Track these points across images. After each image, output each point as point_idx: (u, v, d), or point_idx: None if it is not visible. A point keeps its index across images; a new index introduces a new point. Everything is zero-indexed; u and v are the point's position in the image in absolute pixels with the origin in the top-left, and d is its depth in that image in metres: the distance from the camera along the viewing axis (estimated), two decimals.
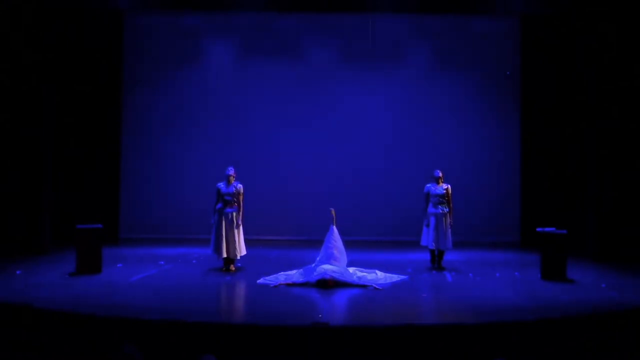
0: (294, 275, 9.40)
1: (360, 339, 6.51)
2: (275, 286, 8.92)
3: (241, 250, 10.15)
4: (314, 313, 7.60)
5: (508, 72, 13.95)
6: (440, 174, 10.65)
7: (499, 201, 13.93)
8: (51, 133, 12.09)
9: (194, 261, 11.08)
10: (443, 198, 10.52)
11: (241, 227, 10.15)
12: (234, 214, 10.11)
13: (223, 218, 10.07)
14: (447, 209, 10.53)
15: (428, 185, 10.73)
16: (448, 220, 10.52)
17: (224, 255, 10.03)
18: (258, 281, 9.23)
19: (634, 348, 6.64)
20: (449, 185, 10.65)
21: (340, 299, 8.50)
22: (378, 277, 9.43)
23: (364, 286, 8.94)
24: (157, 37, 14.14)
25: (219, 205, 10.14)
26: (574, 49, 12.87)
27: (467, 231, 13.80)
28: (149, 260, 10.95)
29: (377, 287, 8.89)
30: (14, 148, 11.59)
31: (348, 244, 10.29)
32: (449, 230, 10.52)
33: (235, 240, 10.05)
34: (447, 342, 6.53)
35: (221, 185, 10.20)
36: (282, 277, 9.37)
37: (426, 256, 11.32)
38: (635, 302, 8.03)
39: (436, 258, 10.63)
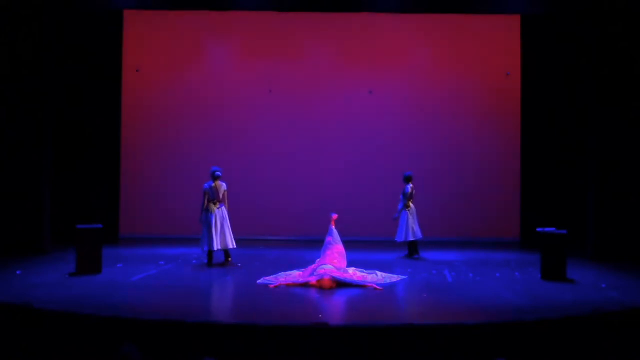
0: (294, 275, 9.40)
1: (360, 339, 6.51)
2: (275, 286, 8.92)
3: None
4: (314, 313, 7.60)
5: (508, 72, 13.96)
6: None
7: (499, 201, 13.93)
8: (51, 133, 12.08)
9: (194, 261, 11.08)
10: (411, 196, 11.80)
11: (202, 224, 10.58)
12: None
13: None
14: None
15: (410, 185, 11.79)
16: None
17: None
18: (258, 281, 9.23)
19: (634, 348, 6.64)
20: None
21: (340, 299, 8.50)
22: (378, 277, 9.43)
23: (363, 286, 8.93)
24: (157, 37, 14.16)
25: None
26: (574, 49, 12.87)
27: (467, 231, 13.85)
28: (149, 260, 10.95)
29: (377, 287, 8.89)
30: (14, 148, 11.58)
31: (348, 244, 10.30)
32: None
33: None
34: (447, 342, 6.53)
35: None
36: (282, 277, 9.38)
37: (427, 256, 11.58)
38: (635, 302, 8.03)
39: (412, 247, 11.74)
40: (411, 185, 11.80)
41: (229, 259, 10.73)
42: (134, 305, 7.92)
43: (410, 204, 11.73)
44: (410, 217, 11.64)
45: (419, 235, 11.71)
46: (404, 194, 11.71)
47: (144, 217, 13.95)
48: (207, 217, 10.54)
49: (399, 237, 11.72)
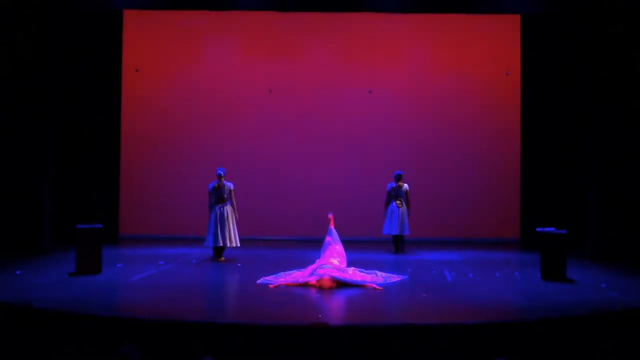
0: (294, 275, 9.39)
1: (360, 339, 6.51)
2: (275, 286, 8.92)
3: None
4: (314, 313, 7.60)
5: (508, 72, 13.97)
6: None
7: (499, 201, 13.93)
8: (51, 133, 12.09)
9: (194, 261, 11.08)
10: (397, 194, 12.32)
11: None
12: None
13: None
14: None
15: (393, 184, 12.24)
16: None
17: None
18: (258, 281, 9.22)
19: (634, 348, 6.64)
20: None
21: (340, 299, 8.50)
22: (378, 277, 9.42)
23: (364, 286, 8.93)
24: (157, 37, 14.18)
25: None
26: (574, 49, 12.87)
27: (467, 231, 13.85)
28: (149, 260, 10.95)
29: (377, 287, 8.89)
30: (14, 148, 11.58)
31: (348, 244, 10.30)
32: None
33: None
34: (447, 342, 6.53)
35: None
36: (282, 277, 9.37)
37: (427, 256, 11.64)
38: (635, 302, 8.03)
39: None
40: (397, 184, 12.16)
41: (220, 258, 11.02)
42: (134, 305, 7.92)
43: (394, 201, 12.13)
44: (392, 213, 12.09)
45: (394, 231, 12.14)
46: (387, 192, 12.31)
47: (144, 217, 13.96)
48: (211, 216, 11.00)
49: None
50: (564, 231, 9.70)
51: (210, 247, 11.11)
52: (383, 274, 9.61)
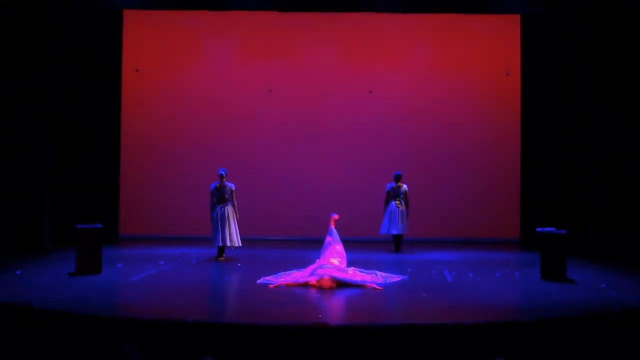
0: (294, 275, 9.39)
1: (360, 339, 6.51)
2: (275, 286, 8.92)
3: None
4: (314, 313, 7.60)
5: (508, 72, 13.97)
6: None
7: (499, 201, 13.93)
8: (51, 133, 12.08)
9: (194, 261, 11.09)
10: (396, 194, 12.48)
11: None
12: None
13: None
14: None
15: (393, 184, 12.41)
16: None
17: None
18: (258, 281, 9.22)
19: (634, 348, 6.64)
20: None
21: (340, 299, 8.50)
22: (378, 277, 9.43)
23: (363, 286, 8.93)
24: (157, 37, 14.17)
25: None
26: (574, 49, 12.86)
27: (467, 231, 13.85)
28: (149, 260, 10.95)
29: (377, 287, 8.89)
30: (14, 148, 11.57)
31: (348, 244, 10.30)
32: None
33: None
34: (447, 342, 6.54)
35: None
36: (282, 277, 9.37)
37: (426, 256, 11.63)
38: (635, 302, 8.03)
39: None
40: (396, 184, 12.32)
41: (221, 257, 11.08)
42: (134, 305, 7.92)
43: (393, 201, 12.28)
44: (391, 213, 12.26)
45: (393, 230, 12.31)
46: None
47: (144, 217, 13.96)
48: (212, 216, 11.06)
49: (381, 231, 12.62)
50: (564, 231, 9.70)
51: (216, 247, 11.14)
52: (383, 274, 9.62)
